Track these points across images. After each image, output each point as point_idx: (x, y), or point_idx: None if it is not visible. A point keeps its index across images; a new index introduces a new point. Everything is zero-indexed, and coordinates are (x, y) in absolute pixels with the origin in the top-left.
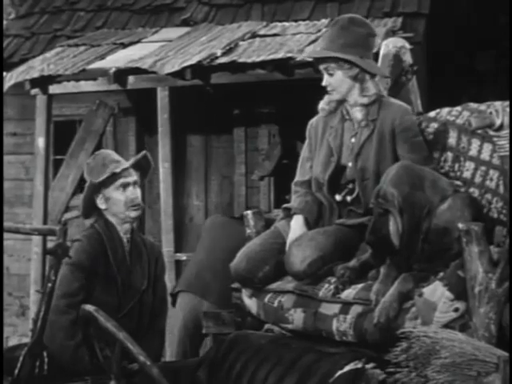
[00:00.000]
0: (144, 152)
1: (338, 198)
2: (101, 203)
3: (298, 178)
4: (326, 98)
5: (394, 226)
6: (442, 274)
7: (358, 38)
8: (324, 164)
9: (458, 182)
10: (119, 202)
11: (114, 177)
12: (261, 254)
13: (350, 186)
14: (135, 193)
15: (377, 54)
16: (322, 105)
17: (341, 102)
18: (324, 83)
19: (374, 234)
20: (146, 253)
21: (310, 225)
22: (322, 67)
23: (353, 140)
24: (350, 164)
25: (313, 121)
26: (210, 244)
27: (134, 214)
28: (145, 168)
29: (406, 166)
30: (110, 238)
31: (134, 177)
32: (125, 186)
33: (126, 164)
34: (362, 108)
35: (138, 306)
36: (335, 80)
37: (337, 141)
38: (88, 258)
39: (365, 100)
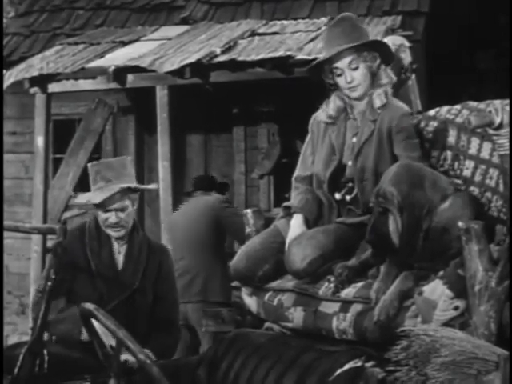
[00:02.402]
0: (120, 187)
1: (337, 196)
2: None
3: (298, 172)
4: (325, 109)
5: (393, 224)
6: (441, 272)
7: (366, 32)
8: (326, 162)
9: (459, 181)
10: (99, 216)
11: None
12: (260, 252)
13: (350, 184)
14: (114, 217)
15: None
16: (322, 118)
17: (342, 110)
18: (349, 79)
19: (374, 232)
20: (147, 254)
21: (309, 223)
22: (343, 64)
23: (354, 139)
24: (349, 163)
25: (316, 115)
26: (190, 245)
27: (112, 233)
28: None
29: (405, 165)
30: (93, 237)
31: (117, 204)
32: (106, 210)
33: (100, 198)
34: (380, 93)
35: (128, 302)
36: (360, 74)
37: (339, 139)
38: (65, 253)
39: (378, 103)
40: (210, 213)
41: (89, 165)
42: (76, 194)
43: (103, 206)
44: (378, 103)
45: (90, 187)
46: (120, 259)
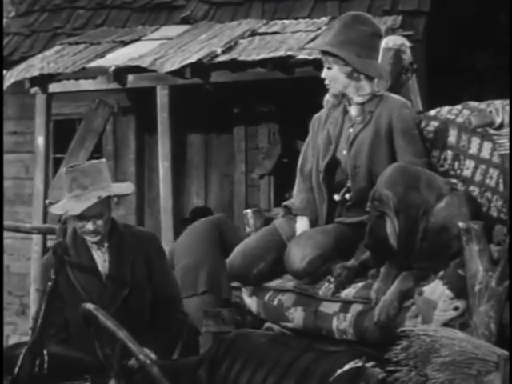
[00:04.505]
0: (98, 196)
1: (336, 197)
2: None
3: (301, 164)
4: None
5: (390, 227)
6: (442, 272)
7: (360, 36)
8: (323, 152)
9: (454, 180)
10: (75, 223)
11: None
12: (256, 250)
13: (348, 184)
14: (91, 225)
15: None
16: (327, 97)
17: (344, 95)
18: (322, 75)
19: (372, 236)
20: (132, 250)
21: (313, 224)
22: (323, 59)
23: (350, 130)
24: (344, 152)
25: (317, 115)
26: (189, 249)
27: (89, 238)
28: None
29: (400, 167)
30: (72, 256)
31: (94, 212)
32: (82, 218)
33: (78, 209)
34: (356, 106)
35: (123, 307)
36: (332, 74)
37: (336, 130)
38: (66, 252)
39: (359, 99)
40: (214, 227)
41: (63, 170)
42: (49, 204)
43: (80, 215)
44: (353, 113)
45: (64, 193)
46: (106, 267)
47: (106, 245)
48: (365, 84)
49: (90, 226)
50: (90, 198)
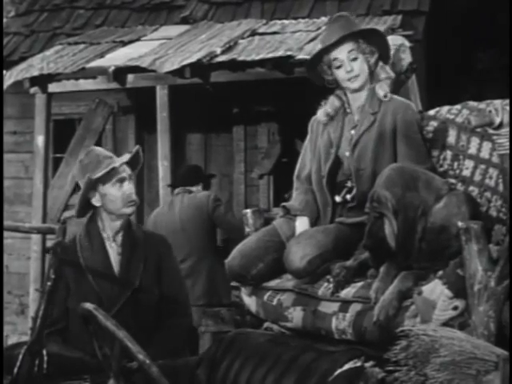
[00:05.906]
0: (138, 147)
1: (337, 199)
2: (96, 201)
3: (298, 171)
4: (323, 108)
5: (389, 228)
6: (441, 272)
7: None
8: (325, 156)
9: (453, 181)
10: (116, 198)
11: (111, 172)
12: (255, 251)
13: (349, 184)
14: (130, 188)
15: None
16: (320, 117)
17: (339, 109)
18: (348, 68)
19: (370, 238)
20: (144, 249)
21: (312, 225)
22: (342, 54)
23: (352, 132)
24: (347, 154)
25: (315, 117)
26: (183, 242)
27: (129, 210)
28: (136, 163)
29: (398, 167)
30: (86, 248)
31: (128, 171)
32: (121, 180)
33: (123, 159)
34: (382, 84)
35: (132, 302)
36: (359, 65)
37: (337, 132)
38: (65, 252)
39: (381, 92)
40: (204, 215)
41: (82, 156)
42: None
43: (117, 174)
44: (381, 93)
45: (83, 175)
46: (118, 261)
47: (120, 238)
48: (380, 70)
49: (131, 188)
50: (124, 157)
